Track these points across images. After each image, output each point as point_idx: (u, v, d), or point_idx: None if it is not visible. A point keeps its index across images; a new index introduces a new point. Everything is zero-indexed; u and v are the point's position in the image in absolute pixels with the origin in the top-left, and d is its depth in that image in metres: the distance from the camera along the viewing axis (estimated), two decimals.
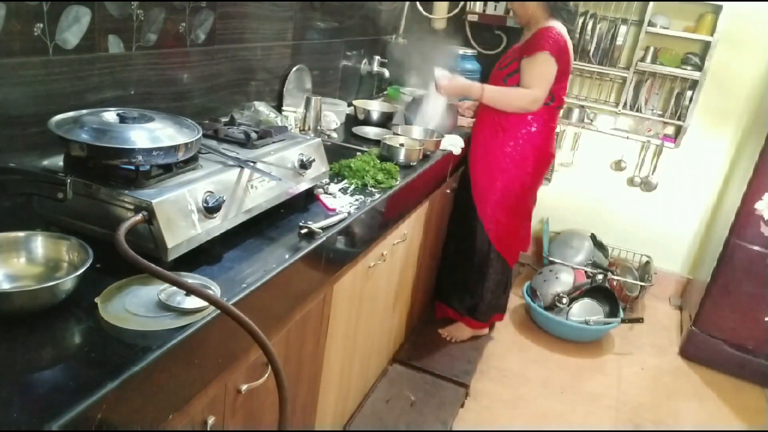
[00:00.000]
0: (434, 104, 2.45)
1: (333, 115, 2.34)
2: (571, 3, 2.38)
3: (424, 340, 2.73)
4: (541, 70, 2.31)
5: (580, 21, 3.30)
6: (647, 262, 3.60)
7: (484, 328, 2.86)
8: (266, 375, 1.24)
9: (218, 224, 1.18)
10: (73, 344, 0.89)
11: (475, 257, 2.65)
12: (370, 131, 2.43)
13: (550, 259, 3.44)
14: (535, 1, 2.32)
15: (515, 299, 3.37)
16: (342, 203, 1.60)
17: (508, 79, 2.41)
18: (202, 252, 1.16)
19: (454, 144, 2.43)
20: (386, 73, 2.96)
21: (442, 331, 2.80)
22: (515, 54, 2.43)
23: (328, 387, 1.79)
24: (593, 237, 3.67)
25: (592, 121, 3.60)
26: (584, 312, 3.03)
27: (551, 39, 2.28)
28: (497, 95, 2.40)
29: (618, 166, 3.64)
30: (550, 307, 3.10)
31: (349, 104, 2.65)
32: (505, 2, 3.29)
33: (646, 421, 2.58)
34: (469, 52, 3.21)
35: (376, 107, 2.64)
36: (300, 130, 2.11)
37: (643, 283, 3.37)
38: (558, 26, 2.31)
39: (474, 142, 2.57)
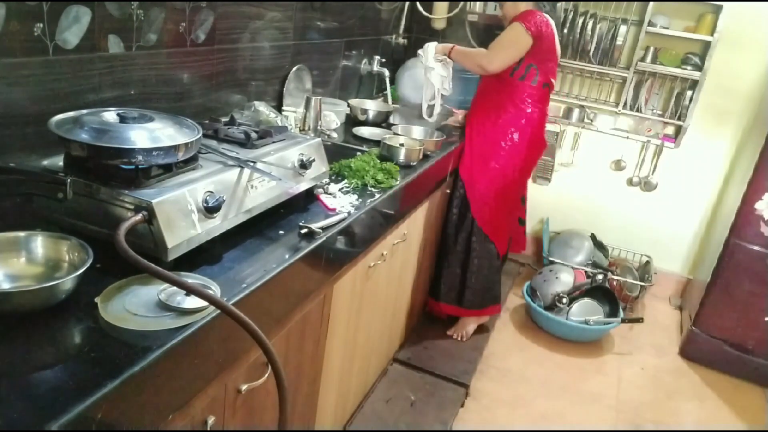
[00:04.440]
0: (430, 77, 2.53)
1: (333, 115, 2.34)
2: (548, 4, 2.47)
3: (424, 340, 2.73)
4: (508, 36, 2.39)
5: (580, 21, 3.31)
6: (647, 262, 3.60)
7: (484, 316, 2.86)
8: (266, 375, 1.24)
9: (218, 224, 1.18)
10: (73, 344, 0.89)
11: (461, 239, 2.68)
12: (370, 131, 2.43)
13: (550, 259, 3.44)
14: (526, 1, 2.41)
15: (515, 299, 3.38)
16: (342, 203, 1.60)
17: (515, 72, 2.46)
18: (202, 252, 1.16)
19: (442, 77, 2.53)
20: (386, 72, 2.96)
21: (449, 332, 2.81)
22: None
23: (328, 387, 1.79)
24: (593, 237, 3.67)
25: (592, 121, 3.60)
26: (584, 312, 3.02)
27: (530, 17, 2.37)
28: (461, 51, 2.50)
29: (618, 166, 3.64)
30: (550, 307, 3.10)
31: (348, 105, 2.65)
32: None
33: (646, 421, 2.58)
34: None
35: (371, 106, 2.64)
36: (300, 130, 2.12)
37: (643, 283, 3.37)
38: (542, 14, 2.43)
39: (470, 122, 2.61)
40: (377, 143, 2.14)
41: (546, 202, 3.77)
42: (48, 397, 0.76)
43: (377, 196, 1.71)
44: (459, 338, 2.79)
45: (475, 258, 2.67)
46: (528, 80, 2.46)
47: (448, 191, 2.65)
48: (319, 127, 2.16)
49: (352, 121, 2.56)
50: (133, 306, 0.97)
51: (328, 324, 1.63)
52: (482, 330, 2.90)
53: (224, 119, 1.58)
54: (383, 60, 3.03)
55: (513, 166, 2.57)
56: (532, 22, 2.35)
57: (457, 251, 2.71)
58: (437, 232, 2.70)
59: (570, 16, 3.30)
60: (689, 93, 3.32)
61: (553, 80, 2.54)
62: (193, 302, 0.98)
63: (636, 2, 3.26)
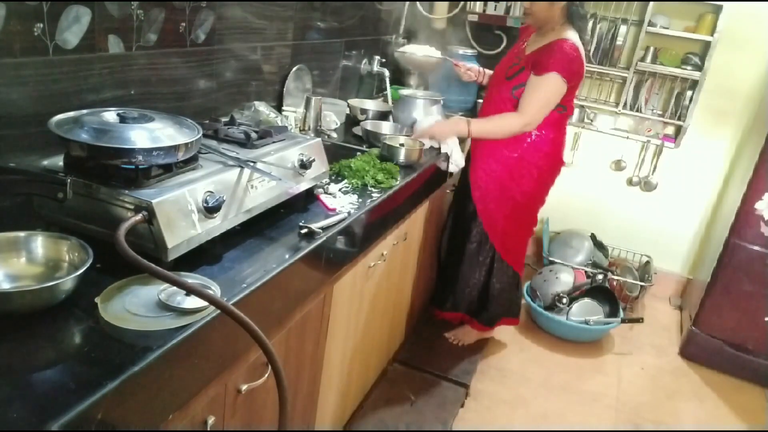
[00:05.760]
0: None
1: (333, 115, 2.34)
2: (584, 5, 2.27)
3: (424, 340, 2.73)
4: (546, 91, 2.20)
5: None
6: (647, 262, 3.60)
7: (490, 332, 2.84)
8: (266, 375, 1.24)
9: (218, 224, 1.18)
10: (73, 344, 0.89)
11: (478, 266, 2.60)
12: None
13: (550, 259, 3.44)
14: (563, 1, 2.17)
15: None
16: (342, 203, 1.60)
17: (515, 91, 2.28)
18: (202, 252, 1.16)
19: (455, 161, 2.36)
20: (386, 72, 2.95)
21: (448, 335, 2.79)
22: (525, 61, 2.28)
23: (328, 387, 1.79)
24: (593, 237, 3.67)
25: (592, 121, 3.60)
26: (584, 312, 3.03)
27: (566, 57, 2.16)
28: (485, 126, 2.29)
29: (618, 166, 3.64)
30: (550, 307, 3.10)
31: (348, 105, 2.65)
32: (506, 2, 3.29)
33: (646, 421, 2.58)
34: (469, 52, 3.21)
35: (371, 106, 2.64)
36: (300, 130, 2.12)
37: (643, 283, 3.37)
38: (572, 37, 2.19)
39: (474, 147, 2.50)
40: None
41: (546, 202, 3.76)
42: (48, 397, 0.76)
43: (377, 196, 1.71)
44: (456, 343, 2.77)
45: (497, 282, 2.62)
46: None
47: (455, 199, 2.62)
48: (319, 127, 2.16)
49: (352, 121, 2.55)
50: (133, 306, 0.97)
51: (328, 324, 1.63)
52: None
53: (224, 119, 1.58)
54: (383, 60, 3.03)
55: (525, 192, 2.46)
56: (566, 63, 2.15)
57: (478, 277, 2.63)
58: (438, 233, 2.70)
59: None
60: (689, 93, 3.32)
61: (572, 105, 2.40)
62: (193, 302, 0.98)
63: (636, 2, 3.26)
